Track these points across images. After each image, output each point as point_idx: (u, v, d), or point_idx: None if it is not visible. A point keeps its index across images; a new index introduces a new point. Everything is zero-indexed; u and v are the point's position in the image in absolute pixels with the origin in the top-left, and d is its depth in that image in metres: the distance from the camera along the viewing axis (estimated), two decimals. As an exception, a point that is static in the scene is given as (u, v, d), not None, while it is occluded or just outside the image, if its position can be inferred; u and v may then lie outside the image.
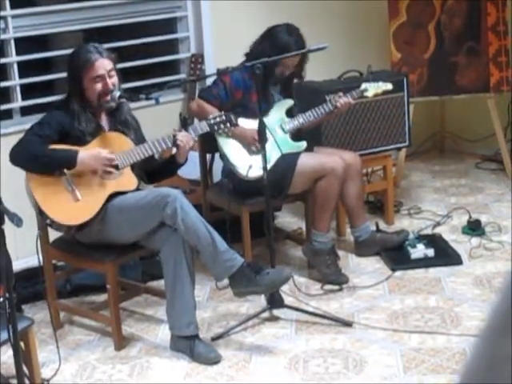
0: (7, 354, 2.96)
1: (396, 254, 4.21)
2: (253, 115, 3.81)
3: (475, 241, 4.39)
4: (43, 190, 3.36)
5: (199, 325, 3.44)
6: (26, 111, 4.41)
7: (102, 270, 3.52)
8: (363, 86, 4.18)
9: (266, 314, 3.67)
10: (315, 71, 4.40)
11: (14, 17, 4.29)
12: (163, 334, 3.58)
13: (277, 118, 4.07)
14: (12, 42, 4.30)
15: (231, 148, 3.97)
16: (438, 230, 4.57)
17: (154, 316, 3.80)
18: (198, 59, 4.89)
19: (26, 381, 2.83)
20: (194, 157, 4.21)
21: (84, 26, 4.58)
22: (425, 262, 4.13)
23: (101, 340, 3.60)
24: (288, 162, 3.95)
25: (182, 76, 4.98)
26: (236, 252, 3.35)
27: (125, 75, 3.83)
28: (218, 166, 4.31)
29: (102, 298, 3.91)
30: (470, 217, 4.60)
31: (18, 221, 2.49)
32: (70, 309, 3.85)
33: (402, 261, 4.15)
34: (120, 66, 3.68)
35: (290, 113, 4.12)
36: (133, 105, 3.76)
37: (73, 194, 3.38)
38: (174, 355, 3.40)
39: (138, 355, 3.44)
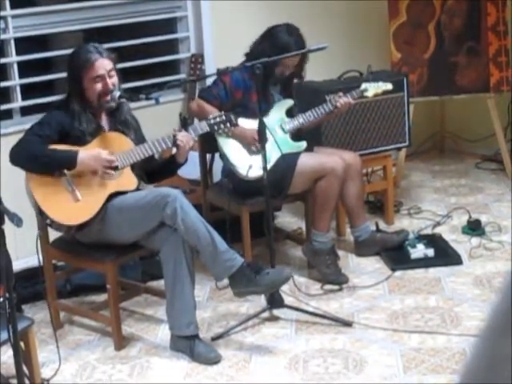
0: (7, 354, 2.96)
1: (396, 254, 4.21)
2: (253, 115, 3.81)
3: (475, 241, 4.39)
4: (43, 190, 3.36)
5: (199, 325, 3.44)
6: (26, 111, 4.41)
7: (101, 270, 3.52)
8: (363, 86, 4.18)
9: (266, 314, 3.67)
10: (315, 71, 4.40)
11: (13, 17, 4.29)
12: (163, 333, 3.58)
13: (277, 118, 4.07)
14: (12, 42, 4.30)
15: (231, 148, 3.97)
16: (438, 230, 4.57)
17: (153, 316, 3.80)
18: (197, 59, 4.89)
19: (26, 381, 2.83)
20: (194, 157, 4.21)
21: (84, 26, 4.58)
22: (425, 262, 4.13)
23: (101, 340, 3.60)
24: (288, 162, 3.95)
25: (182, 76, 4.98)
26: (236, 252, 3.35)
27: (125, 75, 3.83)
28: (218, 166, 4.31)
29: (102, 298, 3.91)
30: (470, 217, 4.60)
31: (17, 221, 2.49)
32: (70, 309, 3.85)
33: (401, 261, 4.15)
34: (120, 65, 3.68)
35: (290, 113, 4.12)
36: (133, 105, 3.76)
37: (73, 194, 3.38)
38: (174, 355, 3.40)
39: (137, 355, 3.44)
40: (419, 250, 4.16)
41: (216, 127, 3.56)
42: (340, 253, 4.19)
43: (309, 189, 4.01)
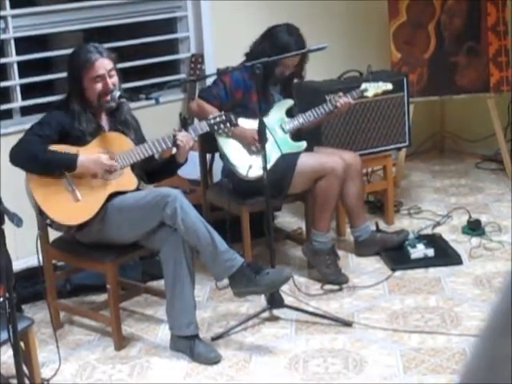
0: (7, 354, 2.96)
1: (396, 254, 4.21)
2: (253, 115, 3.81)
3: (475, 241, 4.39)
4: (43, 190, 3.36)
5: (199, 325, 3.44)
6: (26, 111, 4.41)
7: (101, 270, 3.52)
8: (363, 86, 4.18)
9: (266, 314, 3.67)
10: (315, 71, 4.40)
11: (13, 17, 4.29)
12: (163, 333, 3.58)
13: (277, 118, 4.07)
14: (12, 42, 4.30)
15: (231, 148, 3.97)
16: (438, 230, 4.57)
17: (153, 316, 3.80)
18: (197, 59, 4.89)
19: (26, 381, 2.83)
20: (194, 157, 4.21)
21: (84, 25, 4.58)
22: (425, 262, 4.13)
23: (101, 340, 3.60)
24: (288, 161, 3.95)
25: (182, 76, 4.99)
26: (236, 252, 3.35)
27: (125, 75, 3.83)
28: (217, 166, 4.31)
29: (102, 297, 3.91)
30: (470, 217, 4.60)
31: (17, 221, 2.49)
32: (70, 309, 3.85)
33: (401, 261, 4.15)
34: (120, 65, 3.68)
35: (290, 113, 4.12)
36: (133, 105, 3.76)
37: (73, 194, 3.38)
38: (174, 355, 3.40)
39: (137, 355, 3.44)
40: (419, 250, 4.16)
41: (216, 127, 3.56)
42: (340, 253, 4.19)
43: (309, 189, 4.01)
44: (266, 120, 3.81)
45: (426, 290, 3.86)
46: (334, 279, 3.98)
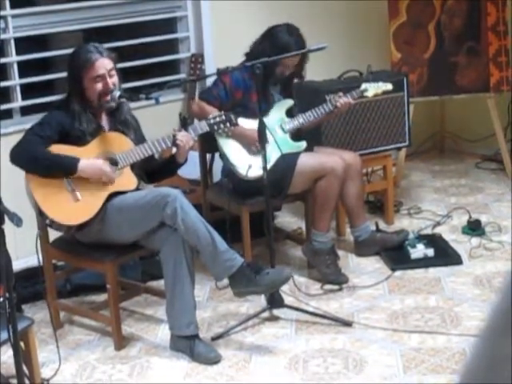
0: (7, 353, 2.96)
1: (396, 254, 4.21)
2: (253, 115, 3.81)
3: (475, 241, 4.39)
4: (43, 190, 3.36)
5: (199, 325, 3.44)
6: (25, 111, 4.41)
7: (101, 270, 3.52)
8: (363, 86, 4.18)
9: (266, 314, 3.67)
10: (315, 71, 4.40)
11: (13, 16, 4.29)
12: (163, 333, 3.58)
13: (277, 117, 4.07)
14: (12, 42, 4.30)
15: (231, 148, 3.97)
16: (437, 230, 4.57)
17: (153, 316, 3.80)
18: (197, 59, 4.89)
19: (26, 381, 2.83)
20: (194, 157, 4.21)
21: (84, 25, 4.58)
22: (425, 262, 4.13)
23: (101, 340, 3.60)
24: (288, 161, 3.95)
25: (182, 76, 4.99)
26: (236, 252, 3.35)
27: (125, 75, 3.83)
28: (217, 166, 4.31)
29: (102, 297, 3.91)
30: (470, 217, 4.60)
31: (17, 221, 2.49)
32: (70, 309, 3.85)
33: (401, 261, 4.15)
34: (120, 65, 3.68)
35: (290, 113, 4.12)
36: (133, 105, 3.76)
37: (73, 195, 3.38)
38: (174, 355, 3.40)
39: (137, 355, 3.44)
40: (419, 250, 4.16)
41: (216, 127, 3.56)
42: (340, 253, 4.19)
43: (309, 189, 4.01)
44: (265, 120, 3.80)
45: (426, 290, 3.86)
46: (334, 279, 3.98)
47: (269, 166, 3.62)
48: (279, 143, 4.01)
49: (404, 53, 5.28)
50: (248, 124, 3.89)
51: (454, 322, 3.51)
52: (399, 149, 4.97)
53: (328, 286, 3.95)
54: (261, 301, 3.75)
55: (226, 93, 3.98)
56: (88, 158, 3.39)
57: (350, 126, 4.58)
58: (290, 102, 4.13)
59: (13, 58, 4.32)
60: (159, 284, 3.91)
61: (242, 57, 4.03)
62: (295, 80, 4.20)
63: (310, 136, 4.21)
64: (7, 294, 2.46)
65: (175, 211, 3.25)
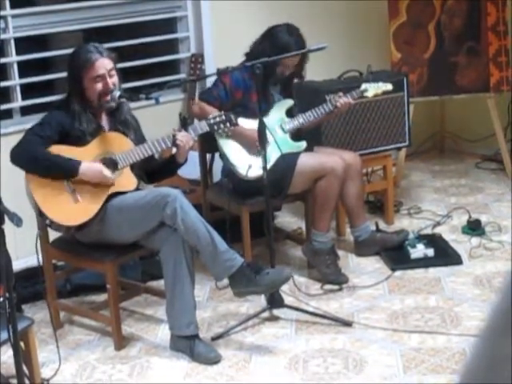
0: (7, 353, 2.96)
1: (396, 254, 4.21)
2: (253, 115, 3.81)
3: (475, 241, 4.39)
4: (43, 190, 3.36)
5: (199, 325, 3.43)
6: (25, 111, 4.41)
7: (101, 270, 3.52)
8: (363, 86, 4.18)
9: (266, 314, 3.67)
10: (315, 71, 4.40)
11: (13, 16, 4.29)
12: (163, 333, 3.58)
13: (277, 117, 4.07)
14: (12, 42, 4.30)
15: (231, 148, 3.97)
16: (437, 230, 4.57)
17: (153, 316, 3.80)
18: (197, 59, 4.89)
19: (26, 381, 2.83)
20: (194, 157, 4.21)
21: (84, 25, 4.58)
22: (425, 262, 4.13)
23: (101, 340, 3.60)
24: (288, 161, 3.95)
25: (182, 76, 4.99)
26: (236, 252, 3.35)
27: (125, 75, 3.83)
28: (217, 166, 4.31)
29: (102, 297, 3.91)
30: (470, 217, 4.60)
31: (17, 220, 2.49)
32: (70, 309, 3.85)
33: (401, 261, 4.15)
34: (120, 65, 3.68)
35: (290, 113, 4.12)
36: (133, 105, 3.76)
37: (72, 195, 3.38)
38: (174, 355, 3.40)
39: (137, 355, 3.44)
40: (419, 250, 4.16)
41: (216, 127, 3.56)
42: (340, 253, 4.19)
43: (309, 189, 4.01)
44: (265, 120, 3.80)
45: (426, 290, 3.86)
46: (334, 279, 3.98)
47: (269, 166, 3.62)
48: (279, 143, 4.01)
49: (404, 53, 5.28)
50: (248, 124, 3.89)
51: (454, 322, 3.51)
52: (399, 149, 4.97)
53: (328, 286, 3.95)
54: (261, 301, 3.75)
55: (226, 93, 3.98)
56: (89, 161, 3.39)
57: (349, 126, 4.58)
58: (289, 102, 4.13)
59: (13, 58, 4.32)
60: (159, 284, 3.91)
61: (242, 57, 4.03)
62: (295, 80, 4.20)
63: (310, 136, 4.21)
64: (7, 294, 2.46)
65: (175, 211, 3.25)
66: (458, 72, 5.32)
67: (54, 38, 4.75)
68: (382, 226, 4.53)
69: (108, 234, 3.42)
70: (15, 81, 4.34)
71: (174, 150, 3.56)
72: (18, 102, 4.37)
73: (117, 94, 3.45)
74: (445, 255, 4.18)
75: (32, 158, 3.33)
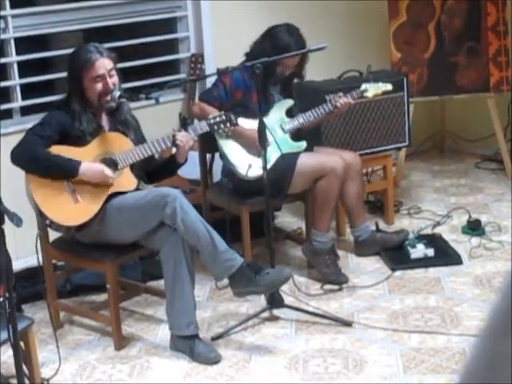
0: (7, 353, 2.96)
1: (396, 254, 4.21)
2: (253, 115, 3.81)
3: (475, 241, 4.39)
4: (43, 191, 3.36)
5: (199, 325, 3.43)
6: (25, 111, 4.41)
7: (101, 270, 3.52)
8: (363, 86, 4.18)
9: (265, 314, 3.67)
10: (315, 71, 4.40)
11: (13, 16, 4.29)
12: (163, 333, 3.58)
13: (277, 117, 4.07)
14: (12, 42, 4.30)
15: (231, 148, 3.97)
16: (437, 230, 4.57)
17: (153, 316, 3.80)
18: (197, 59, 4.89)
19: (26, 381, 2.83)
20: (194, 157, 4.21)
21: (84, 25, 4.58)
22: (425, 262, 4.13)
23: (101, 340, 3.60)
24: (288, 161, 3.95)
25: (182, 76, 4.99)
26: (236, 252, 3.35)
27: (125, 75, 3.83)
28: (217, 166, 4.32)
29: (101, 297, 3.91)
30: (470, 217, 4.60)
31: (17, 220, 2.49)
32: (69, 308, 3.85)
33: (401, 261, 4.15)
34: (120, 65, 3.68)
35: (290, 113, 4.12)
36: (133, 105, 3.76)
37: (72, 196, 3.38)
38: (174, 355, 3.40)
39: (137, 355, 3.44)
40: (419, 250, 4.16)
41: (216, 127, 3.56)
42: (340, 253, 4.19)
43: (309, 189, 4.01)
44: (265, 120, 3.80)
45: (426, 290, 3.86)
46: (334, 279, 3.98)
47: (269, 166, 3.62)
48: (279, 143, 4.01)
49: (404, 53, 5.28)
50: (248, 124, 3.89)
51: (454, 322, 3.51)
52: (399, 149, 4.97)
53: (328, 286, 3.95)
54: (261, 301, 3.75)
55: (226, 93, 3.98)
56: (89, 161, 3.39)
57: (350, 125, 4.58)
58: (290, 102, 4.13)
59: (13, 58, 4.32)
60: (159, 284, 3.91)
61: (242, 57, 4.03)
62: (295, 80, 4.20)
63: (310, 136, 4.21)
64: (7, 294, 2.46)
65: (175, 211, 3.25)
66: (458, 72, 5.32)
67: (54, 37, 4.75)
68: (382, 225, 4.53)
69: (108, 234, 3.42)
70: (15, 81, 4.34)
71: (174, 150, 3.56)
72: (18, 102, 4.37)
73: (117, 93, 3.45)
74: (445, 255, 4.18)
75: (32, 158, 3.33)
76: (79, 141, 3.43)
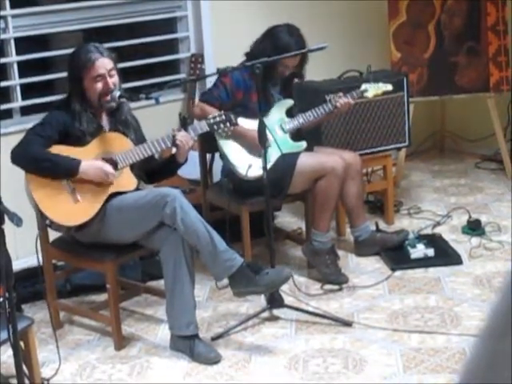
0: (7, 353, 2.97)
1: (396, 254, 4.21)
2: (253, 115, 3.80)
3: (475, 241, 4.39)
4: (43, 191, 3.36)
5: (199, 324, 3.44)
6: (25, 111, 4.41)
7: (101, 270, 3.52)
8: (363, 86, 4.18)
9: (265, 314, 3.67)
10: (315, 71, 4.40)
11: (13, 16, 4.29)
12: (163, 333, 3.58)
13: (277, 118, 4.07)
14: (12, 42, 4.30)
15: (231, 148, 3.97)
16: (437, 230, 4.57)
17: (153, 316, 3.80)
18: (197, 59, 4.89)
19: (26, 381, 2.83)
20: (194, 156, 4.21)
21: (84, 25, 4.58)
22: (425, 262, 4.13)
23: (101, 340, 3.60)
24: (288, 161, 3.95)
25: (182, 76, 4.98)
26: (236, 252, 3.35)
27: (125, 75, 3.83)
28: (217, 166, 4.31)
29: (101, 297, 3.91)
30: (470, 217, 4.60)
31: (17, 220, 2.49)
32: (69, 308, 3.85)
33: (401, 261, 4.15)
34: (120, 65, 3.68)
35: (290, 113, 4.12)
36: (133, 105, 3.76)
37: (72, 195, 3.38)
38: (174, 355, 3.40)
39: (137, 355, 3.44)
40: (419, 250, 4.16)
41: (216, 127, 3.56)
42: (340, 253, 4.19)
43: (309, 188, 4.01)
44: (265, 120, 3.80)
45: (426, 290, 3.86)
46: (334, 279, 3.98)
47: (269, 166, 3.62)
48: (279, 143, 4.01)
49: (404, 53, 5.28)
50: (248, 124, 3.89)
51: (454, 322, 3.51)
52: (399, 149, 4.97)
53: (328, 286, 3.95)
54: (261, 301, 3.75)
55: (226, 93, 3.98)
56: (89, 160, 3.39)
57: (350, 125, 4.58)
58: (289, 102, 4.13)
59: (13, 58, 4.32)
60: (159, 284, 3.91)
61: (242, 57, 4.03)
62: (295, 80, 4.19)
63: (310, 136, 4.21)
64: (7, 294, 2.46)
65: (174, 211, 3.25)
66: (457, 72, 5.32)
67: (54, 37, 4.75)
68: (382, 225, 4.53)
69: (108, 233, 3.42)
70: (15, 81, 4.34)
71: (174, 149, 3.56)
72: (18, 102, 4.37)
73: (117, 93, 3.46)
74: (445, 255, 4.18)
75: (32, 158, 3.33)
76: (79, 141, 3.43)
